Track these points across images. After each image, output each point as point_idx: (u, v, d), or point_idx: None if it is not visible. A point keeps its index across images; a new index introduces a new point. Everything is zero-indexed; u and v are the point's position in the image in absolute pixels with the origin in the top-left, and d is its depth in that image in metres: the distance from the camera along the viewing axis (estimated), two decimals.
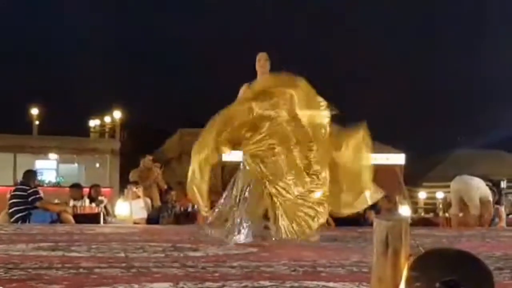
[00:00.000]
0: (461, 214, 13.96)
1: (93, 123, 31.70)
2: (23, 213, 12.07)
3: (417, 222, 14.41)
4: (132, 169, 14.82)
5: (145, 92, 32.38)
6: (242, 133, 7.64)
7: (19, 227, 10.72)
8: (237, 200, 7.59)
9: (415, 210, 20.38)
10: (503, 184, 18.77)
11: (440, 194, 20.14)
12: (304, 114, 7.46)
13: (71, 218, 12.34)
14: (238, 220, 7.49)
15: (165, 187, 14.32)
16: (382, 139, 23.40)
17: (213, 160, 7.64)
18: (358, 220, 14.01)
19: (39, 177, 15.85)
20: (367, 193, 7.64)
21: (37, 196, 12.27)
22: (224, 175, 24.38)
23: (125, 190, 14.03)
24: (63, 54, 35.67)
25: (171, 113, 31.39)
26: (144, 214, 13.36)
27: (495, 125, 30.93)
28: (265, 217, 7.86)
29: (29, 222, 11.91)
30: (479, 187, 13.70)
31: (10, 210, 12.20)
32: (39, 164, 27.87)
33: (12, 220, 12.05)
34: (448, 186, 14.78)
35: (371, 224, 3.07)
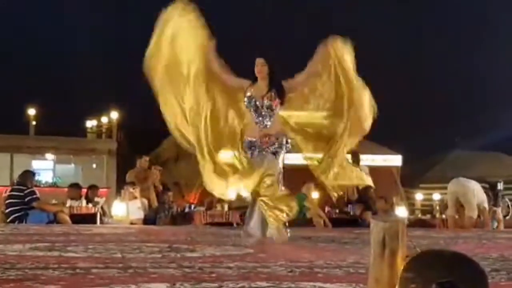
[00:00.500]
0: (457, 216, 13.97)
1: (90, 123, 31.67)
2: (20, 213, 12.06)
3: (413, 224, 14.41)
4: (129, 169, 14.81)
5: (142, 92, 32.21)
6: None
7: (16, 227, 10.71)
8: None
9: (412, 212, 20.39)
10: (500, 186, 18.76)
11: (437, 196, 20.12)
12: None
13: (67, 218, 12.33)
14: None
15: (160, 188, 14.31)
16: (379, 140, 23.42)
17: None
18: (355, 221, 14.04)
19: (36, 178, 15.82)
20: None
21: (34, 196, 12.26)
22: None
23: (122, 191, 14.03)
24: (61, 54, 35.62)
25: None
26: (140, 215, 13.36)
27: (493, 127, 30.96)
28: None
29: (25, 222, 11.90)
30: (476, 190, 13.73)
31: (7, 210, 12.19)
32: (36, 165, 27.84)
33: (8, 220, 12.04)
34: (445, 188, 14.79)
35: (368, 225, 3.07)
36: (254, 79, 7.98)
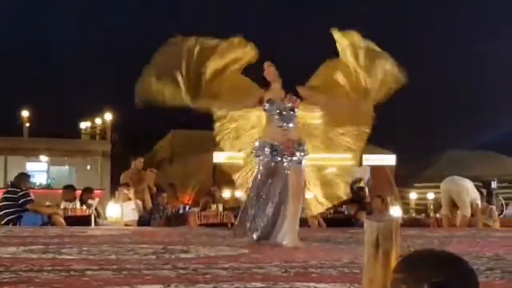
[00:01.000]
0: (451, 215, 14.00)
1: (84, 125, 31.61)
2: (14, 216, 12.02)
3: (408, 223, 14.41)
4: (124, 171, 14.79)
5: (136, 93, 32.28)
6: None
7: (10, 229, 10.68)
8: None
9: (406, 211, 20.40)
10: (494, 185, 18.80)
11: (431, 195, 20.13)
12: None
13: (62, 220, 12.30)
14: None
15: (155, 189, 14.30)
16: (374, 139, 23.39)
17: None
18: (349, 221, 14.03)
19: (30, 180, 15.77)
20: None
21: (28, 198, 12.23)
22: (215, 175, 24.43)
23: (116, 192, 14.00)
24: (54, 55, 35.54)
25: (162, 114, 31.30)
26: (135, 216, 13.33)
27: (488, 126, 31.02)
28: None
29: (19, 224, 11.87)
30: (469, 189, 13.75)
31: (1, 213, 12.16)
32: (30, 166, 27.79)
33: (2, 222, 12.01)
34: (439, 187, 14.81)
35: (362, 225, 3.07)
36: (266, 85, 7.93)
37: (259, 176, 7.69)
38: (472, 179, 14.38)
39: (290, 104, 7.71)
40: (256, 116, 8.30)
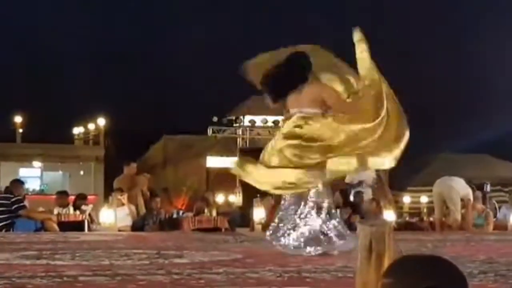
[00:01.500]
0: (444, 218, 14.04)
1: (77, 130, 31.58)
2: (7, 222, 11.99)
3: (401, 227, 14.44)
4: (117, 176, 14.78)
5: (129, 99, 32.25)
6: None
7: (3, 235, 10.67)
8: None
9: (400, 215, 20.42)
10: (487, 188, 18.83)
11: (424, 199, 20.17)
12: None
13: (55, 226, 12.28)
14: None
15: (148, 194, 14.29)
16: None
17: None
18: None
19: (24, 186, 15.73)
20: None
21: (21, 204, 12.21)
22: (209, 180, 24.44)
23: (110, 198, 13.98)
24: (47, 61, 35.49)
25: (155, 120, 31.27)
26: (129, 221, 13.32)
27: (480, 129, 31.03)
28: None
29: (13, 230, 11.85)
30: (460, 188, 13.81)
31: None
32: (23, 172, 27.71)
33: None
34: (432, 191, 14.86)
35: (355, 229, 3.08)
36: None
37: None
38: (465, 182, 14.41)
39: None
40: None
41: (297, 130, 7.04)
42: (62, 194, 14.20)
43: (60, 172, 30.40)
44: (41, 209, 13.94)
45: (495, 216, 15.07)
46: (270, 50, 7.68)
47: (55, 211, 13.27)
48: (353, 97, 7.42)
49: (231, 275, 4.62)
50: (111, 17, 37.12)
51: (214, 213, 14.30)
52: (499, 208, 16.18)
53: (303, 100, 7.12)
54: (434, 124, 33.66)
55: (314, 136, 7.01)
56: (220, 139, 24.65)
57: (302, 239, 6.75)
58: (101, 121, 29.66)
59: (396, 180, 24.56)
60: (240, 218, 15.68)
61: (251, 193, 12.95)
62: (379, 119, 7.19)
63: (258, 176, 6.96)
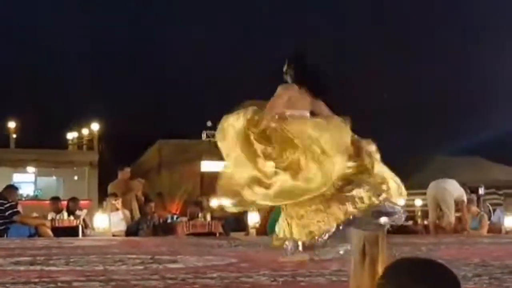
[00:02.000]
0: (438, 221, 14.05)
1: (71, 135, 31.53)
2: (1, 227, 11.98)
3: (396, 230, 14.42)
4: (111, 181, 14.76)
5: (123, 103, 32.22)
6: None
7: None
8: None
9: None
10: (481, 191, 18.84)
11: (418, 202, 20.16)
12: None
13: (49, 231, 12.26)
14: None
15: (143, 199, 14.28)
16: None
17: None
18: None
19: (19, 192, 15.70)
20: None
21: (15, 210, 12.19)
22: (203, 184, 24.40)
23: (104, 203, 13.97)
24: (40, 66, 35.44)
25: (149, 124, 31.24)
26: (123, 226, 13.31)
27: (473, 132, 31.09)
28: None
29: (7, 236, 11.82)
30: (454, 190, 13.84)
31: None
32: (17, 178, 27.64)
33: None
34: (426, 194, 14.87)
35: None
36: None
37: None
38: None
39: None
40: None
41: None
42: (55, 199, 14.19)
43: (54, 178, 30.34)
44: (35, 214, 13.91)
45: (489, 218, 15.08)
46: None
47: (49, 217, 13.25)
48: None
49: (225, 280, 4.62)
50: (105, 24, 37.09)
51: (208, 217, 14.29)
52: (493, 211, 16.19)
53: None
54: (427, 127, 33.71)
55: None
56: (215, 144, 24.57)
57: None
58: (95, 126, 29.61)
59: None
60: (235, 222, 15.66)
61: None
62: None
63: None
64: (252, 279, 4.67)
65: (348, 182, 6.74)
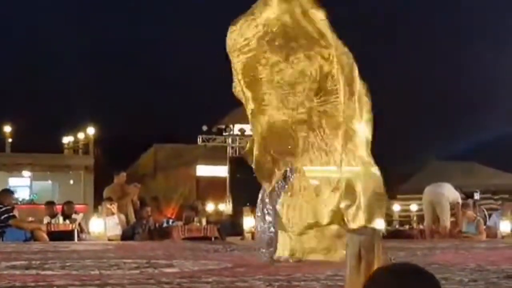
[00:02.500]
0: (434, 226, 14.07)
1: (67, 139, 31.52)
2: None
3: (392, 235, 14.44)
4: (107, 185, 14.75)
5: (118, 108, 32.24)
6: None
7: None
8: None
9: (390, 223, 20.44)
10: (477, 196, 18.86)
11: (414, 206, 20.19)
12: None
13: (45, 236, 12.25)
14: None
15: (138, 203, 14.28)
16: None
17: None
18: None
19: (14, 196, 15.70)
20: None
21: (10, 214, 12.18)
22: (199, 188, 24.42)
23: (100, 207, 13.96)
24: (36, 70, 35.44)
25: (145, 128, 31.23)
26: (118, 231, 13.29)
27: (468, 136, 31.10)
28: None
29: (2, 240, 11.81)
30: (450, 194, 13.87)
31: None
32: (13, 182, 27.66)
33: None
34: (422, 199, 14.89)
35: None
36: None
37: None
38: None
39: None
40: None
41: None
42: (50, 204, 14.19)
43: (50, 182, 30.34)
44: (30, 219, 13.90)
45: (484, 223, 15.09)
46: None
47: (45, 221, 13.23)
48: None
49: (220, 284, 4.62)
50: (103, 28, 37.10)
51: (204, 222, 14.28)
52: (489, 215, 16.20)
53: None
54: (423, 132, 33.73)
55: None
56: (210, 148, 24.60)
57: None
58: (91, 130, 29.61)
59: (386, 188, 24.59)
60: (230, 226, 15.67)
61: (241, 202, 12.94)
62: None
63: None
64: (247, 283, 4.67)
65: None
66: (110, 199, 13.64)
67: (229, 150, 24.08)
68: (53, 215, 13.46)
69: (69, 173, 30.01)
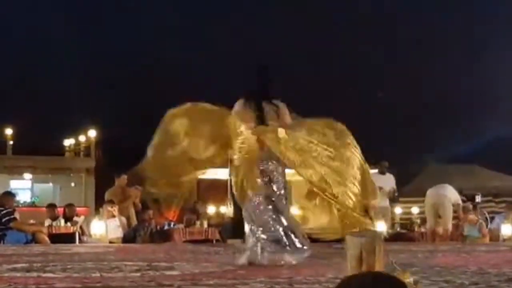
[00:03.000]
0: (435, 228, 14.08)
1: (68, 142, 31.56)
2: None
3: (393, 238, 14.44)
4: (108, 188, 14.77)
5: (119, 110, 32.26)
6: None
7: None
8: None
9: (391, 225, 20.44)
10: (478, 199, 18.87)
11: (415, 209, 20.17)
12: None
13: (46, 238, 12.26)
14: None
15: (140, 206, 14.28)
16: None
17: None
18: None
19: (16, 198, 15.71)
20: None
21: (11, 217, 12.19)
22: (199, 191, 24.40)
23: (101, 209, 13.97)
24: (37, 71, 35.47)
25: (146, 131, 31.24)
26: (119, 233, 13.31)
27: (470, 139, 31.15)
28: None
29: (3, 243, 11.82)
30: (452, 196, 13.90)
31: None
32: (14, 184, 27.71)
33: None
34: (423, 201, 14.88)
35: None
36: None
37: None
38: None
39: None
40: None
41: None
42: (51, 206, 14.22)
43: (51, 184, 30.38)
44: (32, 221, 13.92)
45: (486, 226, 15.10)
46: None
47: (46, 223, 13.25)
48: None
49: (222, 287, 4.62)
50: (103, 27, 37.12)
51: (205, 224, 14.29)
52: (491, 218, 16.21)
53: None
54: (424, 135, 33.75)
55: None
56: None
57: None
58: (92, 133, 29.65)
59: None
60: (232, 229, 15.66)
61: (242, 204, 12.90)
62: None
63: None
64: (248, 286, 4.66)
65: None
66: (111, 202, 13.66)
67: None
68: (55, 218, 13.48)
69: (70, 175, 30.05)
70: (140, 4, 37.98)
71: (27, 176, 29.42)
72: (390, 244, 10.85)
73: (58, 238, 12.57)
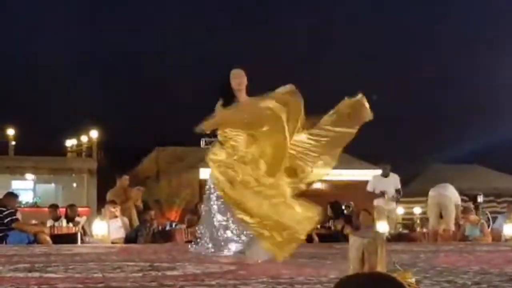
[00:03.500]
0: (437, 228, 14.07)
1: (70, 142, 31.58)
2: (0, 235, 11.99)
3: (395, 238, 14.44)
4: (110, 188, 14.78)
5: (121, 111, 32.29)
6: None
7: None
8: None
9: (393, 226, 20.43)
10: (480, 199, 18.85)
11: (417, 210, 20.18)
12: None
13: (48, 238, 12.27)
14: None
15: (141, 206, 14.29)
16: (355, 154, 23.42)
17: None
18: (336, 237, 14.03)
19: (18, 199, 15.72)
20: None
21: (14, 217, 12.20)
22: (201, 191, 24.39)
23: (103, 210, 13.98)
24: (39, 73, 35.50)
25: (148, 131, 31.27)
26: (121, 234, 13.31)
27: (472, 139, 31.12)
28: None
29: (5, 243, 11.83)
30: (454, 196, 13.90)
31: None
32: (16, 185, 27.70)
33: None
34: (425, 201, 14.87)
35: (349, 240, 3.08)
36: (230, 96, 7.89)
37: None
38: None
39: None
40: None
41: None
42: (53, 207, 14.24)
43: (53, 185, 30.39)
44: (34, 222, 13.93)
45: (488, 226, 15.09)
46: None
47: (48, 224, 13.26)
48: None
49: (223, 287, 4.62)
50: (104, 28, 37.12)
51: None
52: (494, 218, 16.20)
53: None
54: (426, 135, 33.74)
55: None
56: None
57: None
58: (94, 133, 29.67)
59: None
60: None
61: None
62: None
63: None
64: (249, 286, 4.66)
65: None
66: (113, 202, 13.66)
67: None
68: (57, 218, 13.50)
69: (72, 176, 30.06)
70: (142, 6, 38.01)
71: (29, 176, 29.43)
72: (392, 245, 10.85)
73: (60, 238, 12.58)
